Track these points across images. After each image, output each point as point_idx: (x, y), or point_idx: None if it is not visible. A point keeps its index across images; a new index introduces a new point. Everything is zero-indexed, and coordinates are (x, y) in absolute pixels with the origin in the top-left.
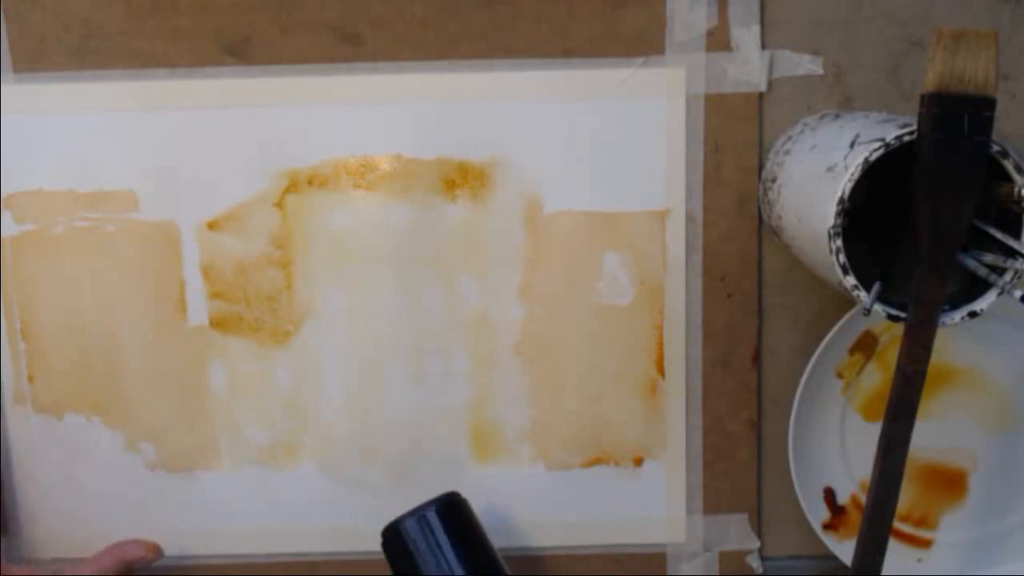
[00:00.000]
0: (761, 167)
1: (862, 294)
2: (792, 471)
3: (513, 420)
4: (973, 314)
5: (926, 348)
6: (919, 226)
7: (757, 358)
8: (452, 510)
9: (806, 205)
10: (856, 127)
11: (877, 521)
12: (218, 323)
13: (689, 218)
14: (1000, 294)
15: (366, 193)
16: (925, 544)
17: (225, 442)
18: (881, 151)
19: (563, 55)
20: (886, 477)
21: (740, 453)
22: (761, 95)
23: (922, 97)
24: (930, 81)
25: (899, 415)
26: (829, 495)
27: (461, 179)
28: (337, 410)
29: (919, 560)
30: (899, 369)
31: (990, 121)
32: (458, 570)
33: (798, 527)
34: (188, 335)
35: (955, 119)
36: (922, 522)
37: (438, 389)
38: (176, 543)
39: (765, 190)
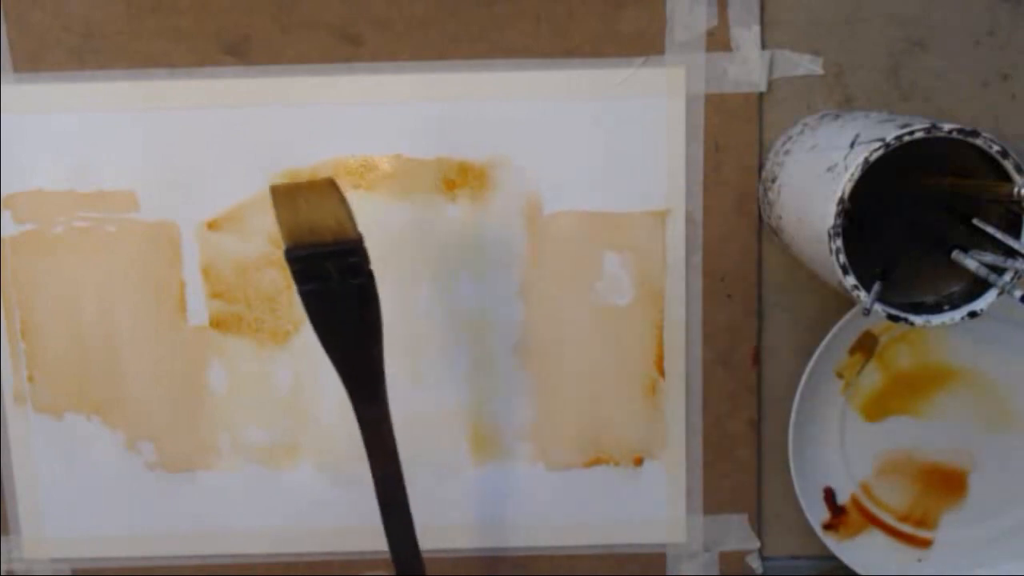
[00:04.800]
0: (761, 167)
1: (862, 294)
2: (792, 471)
3: (513, 420)
4: (973, 314)
5: (388, 452)
6: (341, 369)
7: (757, 358)
8: None
9: (806, 205)
10: (856, 127)
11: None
12: (218, 323)
13: (689, 218)
14: (1000, 294)
15: (366, 193)
16: (925, 544)
17: (225, 442)
18: (881, 151)
19: (563, 55)
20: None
21: (740, 453)
22: (761, 95)
23: (287, 257)
24: (283, 238)
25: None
26: (829, 495)
27: (461, 179)
28: (337, 410)
29: (919, 560)
30: (373, 473)
31: (360, 264)
32: None
33: (798, 527)
34: (188, 335)
35: (320, 269)
36: (922, 522)
37: (438, 389)
38: (176, 543)
39: (765, 190)
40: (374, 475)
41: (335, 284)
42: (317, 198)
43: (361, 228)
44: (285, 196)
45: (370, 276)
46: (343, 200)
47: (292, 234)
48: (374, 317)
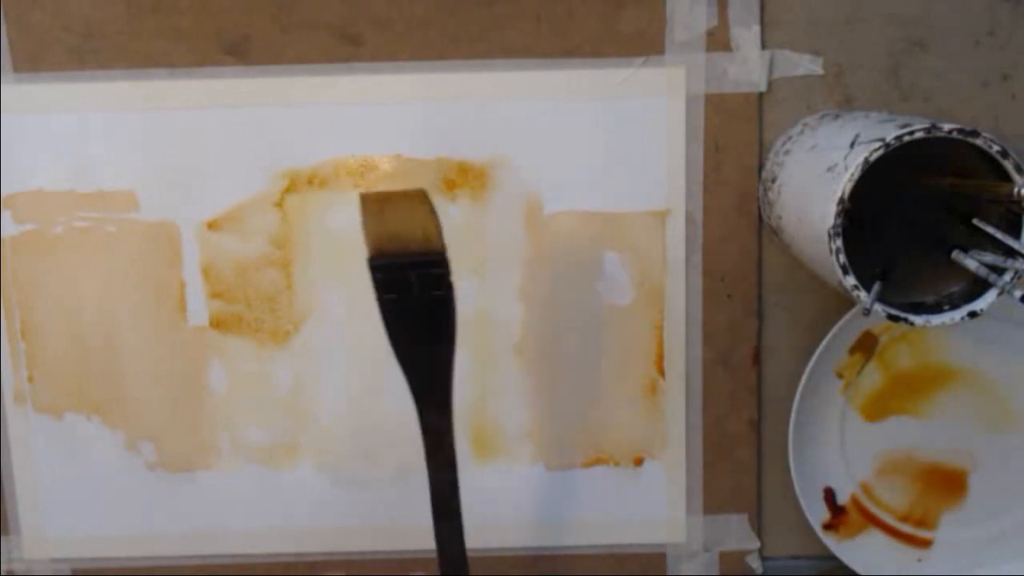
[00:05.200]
0: (761, 167)
1: (862, 294)
2: (792, 471)
3: (513, 420)
4: (973, 314)
5: (448, 462)
6: (408, 372)
7: (757, 358)
8: None
9: (806, 205)
10: (856, 127)
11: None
12: (218, 323)
13: (689, 218)
14: (1000, 294)
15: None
16: (925, 544)
17: (225, 442)
18: (881, 151)
19: (563, 55)
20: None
21: (740, 453)
22: (761, 95)
23: (370, 264)
24: (368, 246)
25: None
26: (829, 495)
27: (461, 179)
28: (337, 410)
29: (919, 560)
30: (431, 479)
31: (443, 276)
32: None
33: (798, 527)
34: (188, 335)
35: (402, 279)
36: (922, 522)
37: None
38: (176, 543)
39: (765, 190)
40: (432, 481)
41: (415, 295)
42: (406, 208)
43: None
44: (374, 204)
45: (451, 289)
46: (432, 211)
47: (377, 243)
48: (451, 329)
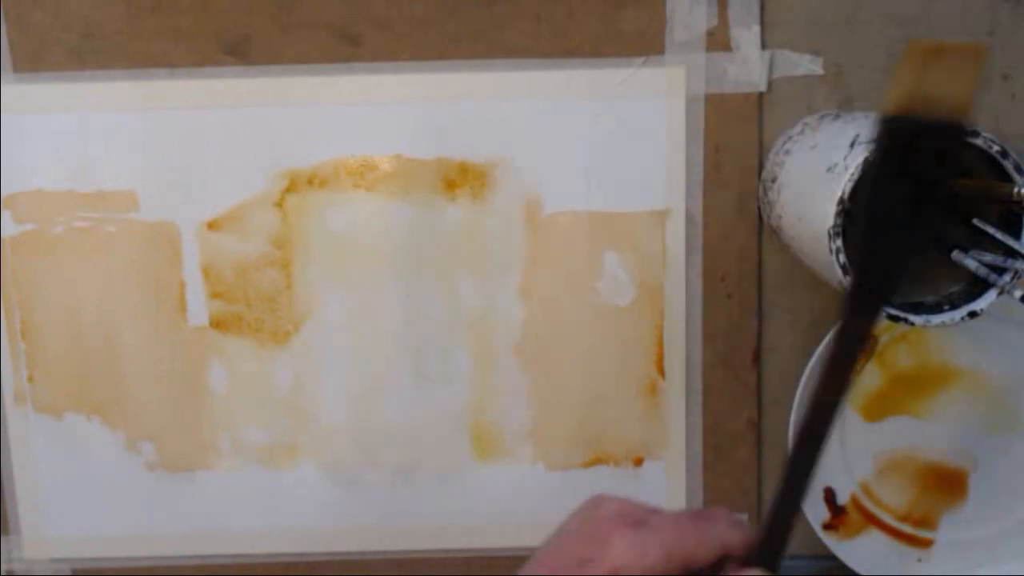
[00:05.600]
0: (761, 167)
1: None
2: None
3: (513, 420)
4: (973, 314)
5: (845, 379)
6: (853, 281)
7: (757, 358)
8: None
9: (806, 205)
10: (856, 127)
11: (786, 505)
12: (218, 323)
13: (689, 218)
14: (1000, 294)
15: (366, 193)
16: (925, 544)
17: (225, 442)
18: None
19: (563, 55)
20: (787, 504)
21: (740, 453)
22: (761, 95)
23: (879, 119)
24: (892, 101)
25: (807, 441)
26: (829, 495)
27: (461, 179)
28: (337, 410)
29: (919, 560)
30: (815, 394)
31: (955, 154)
32: None
33: (798, 527)
34: (188, 335)
35: (913, 148)
36: (922, 522)
37: (438, 389)
38: (176, 543)
39: (765, 190)
40: (815, 399)
41: (914, 166)
42: (954, 67)
43: (361, 228)
44: (926, 54)
45: (951, 175)
46: (977, 78)
47: (906, 99)
48: (928, 222)
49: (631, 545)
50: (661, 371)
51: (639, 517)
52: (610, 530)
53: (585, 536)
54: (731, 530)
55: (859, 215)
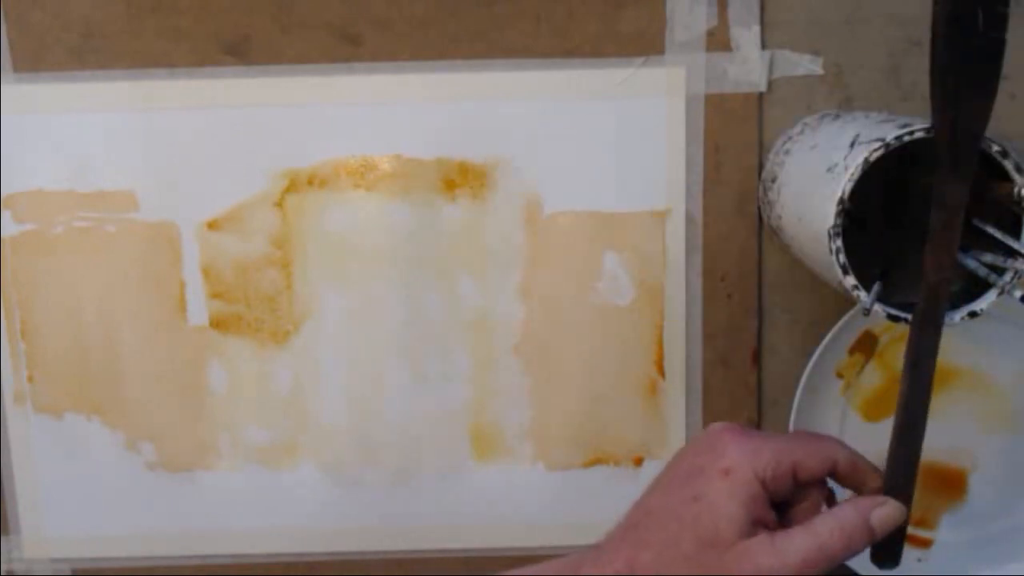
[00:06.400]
0: (761, 167)
1: (862, 294)
2: None
3: (513, 420)
4: (973, 314)
5: (950, 255)
6: (939, 128)
7: (757, 358)
8: None
9: (806, 205)
10: (856, 127)
11: (907, 441)
12: (218, 323)
13: (689, 218)
14: (1000, 294)
15: (366, 193)
16: (925, 544)
17: (225, 442)
18: (881, 151)
19: (563, 55)
20: (915, 393)
21: None
22: (761, 95)
23: None
24: None
25: (925, 327)
26: (829, 495)
27: (461, 179)
28: (337, 410)
29: (919, 560)
30: (925, 280)
31: (1004, 16)
32: None
33: None
34: (188, 335)
35: (968, 15)
36: (922, 522)
37: (438, 389)
38: (176, 543)
39: (765, 190)
40: (925, 284)
41: (976, 33)
42: None
43: (361, 228)
44: None
45: (1003, 34)
46: None
47: None
48: (994, 83)
49: (743, 450)
50: (661, 371)
51: (750, 430)
52: (722, 438)
53: (699, 448)
54: (840, 449)
55: (934, 78)
